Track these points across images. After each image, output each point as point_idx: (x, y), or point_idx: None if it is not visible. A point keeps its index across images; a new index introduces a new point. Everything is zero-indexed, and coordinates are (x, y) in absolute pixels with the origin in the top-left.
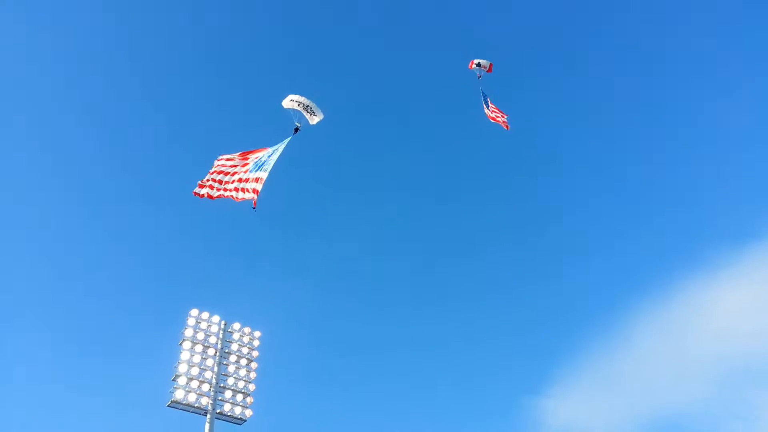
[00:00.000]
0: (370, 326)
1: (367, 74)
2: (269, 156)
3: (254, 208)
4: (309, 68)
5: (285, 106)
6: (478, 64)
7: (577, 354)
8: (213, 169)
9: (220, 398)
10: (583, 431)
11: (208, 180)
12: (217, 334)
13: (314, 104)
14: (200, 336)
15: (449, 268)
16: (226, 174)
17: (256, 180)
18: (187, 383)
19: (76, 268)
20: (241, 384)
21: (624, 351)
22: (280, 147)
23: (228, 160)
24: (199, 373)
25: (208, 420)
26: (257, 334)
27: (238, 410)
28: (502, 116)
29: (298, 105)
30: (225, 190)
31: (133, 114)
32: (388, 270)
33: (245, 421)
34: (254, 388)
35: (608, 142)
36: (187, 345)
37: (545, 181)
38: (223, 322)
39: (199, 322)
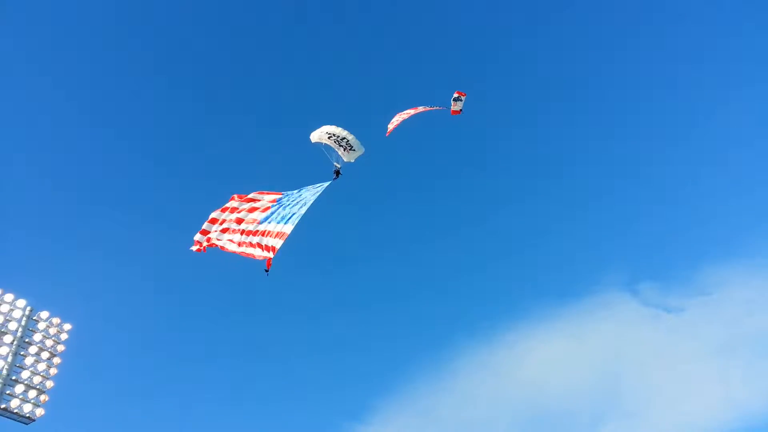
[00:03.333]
0: (198, 332)
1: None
2: (296, 204)
3: (267, 271)
4: None
5: (314, 140)
6: (458, 99)
7: (403, 386)
8: (209, 218)
9: (8, 392)
10: None
11: (207, 232)
12: (18, 320)
13: (353, 136)
14: None
15: (286, 280)
16: (227, 221)
17: (277, 234)
18: None
19: None
20: (37, 379)
21: (446, 388)
22: (314, 194)
23: (223, 211)
24: None
25: None
26: (67, 326)
27: (27, 408)
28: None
29: (330, 138)
30: (229, 242)
31: None
32: (221, 279)
33: (34, 420)
34: (52, 385)
35: (448, 192)
36: None
37: (399, 213)
38: (29, 308)
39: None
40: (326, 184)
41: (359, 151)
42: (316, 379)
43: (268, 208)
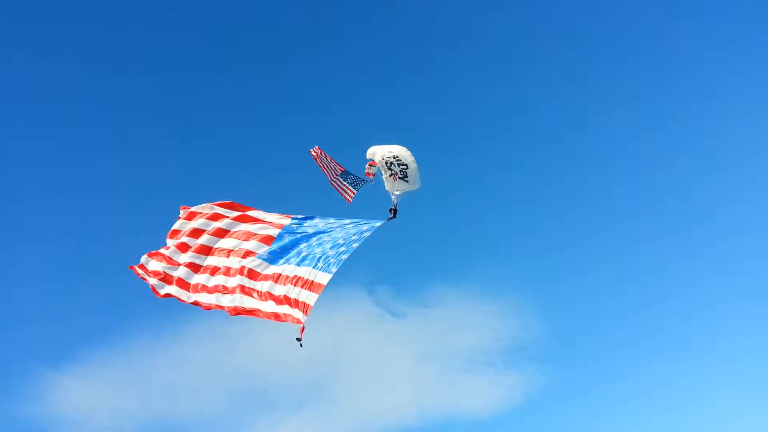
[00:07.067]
0: None
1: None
2: (332, 243)
3: (300, 340)
4: None
5: (374, 157)
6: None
7: (119, 338)
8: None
9: None
10: (75, 423)
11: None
12: None
13: (415, 166)
14: None
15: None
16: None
17: (311, 285)
18: None
19: None
20: None
21: (167, 349)
22: (359, 233)
23: (198, 214)
24: None
25: None
26: None
27: None
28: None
29: (387, 160)
30: (208, 290)
31: None
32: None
33: None
34: None
35: None
36: None
37: None
38: None
39: None
40: (378, 223)
41: (412, 185)
42: (13, 315)
43: (271, 238)
